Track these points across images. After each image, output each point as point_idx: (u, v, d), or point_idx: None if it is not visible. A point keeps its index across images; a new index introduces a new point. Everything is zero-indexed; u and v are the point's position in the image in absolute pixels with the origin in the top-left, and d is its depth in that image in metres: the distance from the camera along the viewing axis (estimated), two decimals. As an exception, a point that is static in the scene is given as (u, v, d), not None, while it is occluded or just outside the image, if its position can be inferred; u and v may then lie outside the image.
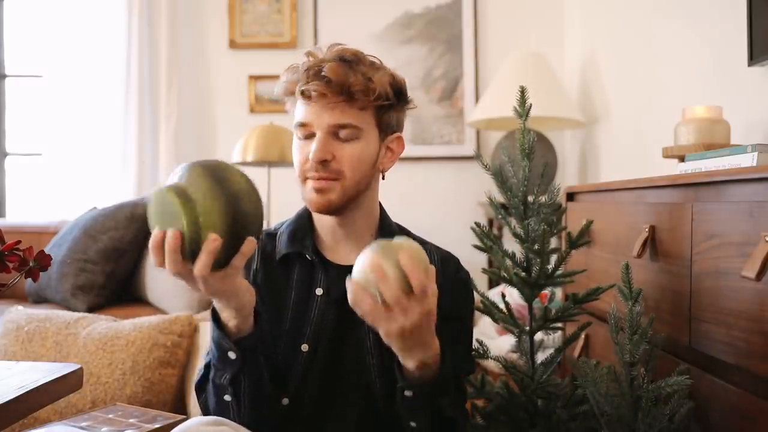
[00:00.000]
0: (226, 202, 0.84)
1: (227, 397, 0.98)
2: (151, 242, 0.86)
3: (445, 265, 1.12)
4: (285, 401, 1.05)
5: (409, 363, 0.92)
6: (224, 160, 0.91)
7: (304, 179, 1.05)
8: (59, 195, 3.08)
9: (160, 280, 2.27)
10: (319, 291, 1.08)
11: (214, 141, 3.26)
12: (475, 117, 2.79)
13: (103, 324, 1.75)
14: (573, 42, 3.03)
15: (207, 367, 1.01)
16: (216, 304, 0.94)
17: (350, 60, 1.02)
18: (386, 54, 3.14)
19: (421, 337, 0.89)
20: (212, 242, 0.82)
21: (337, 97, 1.00)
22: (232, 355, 0.94)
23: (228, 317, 0.94)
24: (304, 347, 1.05)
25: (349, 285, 0.87)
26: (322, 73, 0.99)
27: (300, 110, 1.04)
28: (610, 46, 2.59)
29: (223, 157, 3.15)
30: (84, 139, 3.08)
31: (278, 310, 1.08)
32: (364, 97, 1.01)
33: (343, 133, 1.02)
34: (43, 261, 1.00)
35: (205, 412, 1.03)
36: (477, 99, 3.11)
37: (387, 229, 1.13)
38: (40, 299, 2.37)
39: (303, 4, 3.21)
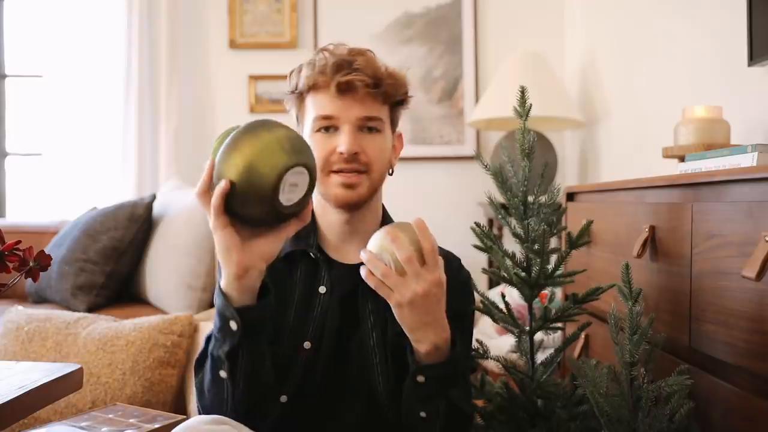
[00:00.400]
0: (244, 152, 0.85)
1: (223, 373, 0.94)
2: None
3: (448, 264, 1.11)
4: (283, 398, 1.05)
5: (422, 346, 0.93)
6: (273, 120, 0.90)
7: (328, 173, 1.05)
8: (59, 195, 3.08)
9: (160, 280, 2.27)
10: (322, 289, 1.08)
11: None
12: (475, 117, 2.79)
13: (103, 324, 1.75)
14: (573, 42, 3.03)
15: (208, 340, 0.99)
16: (221, 261, 0.91)
17: (368, 56, 1.06)
18: (386, 54, 3.14)
19: (432, 311, 0.91)
20: (221, 185, 0.87)
21: (368, 90, 1.01)
22: (233, 325, 0.90)
23: (228, 283, 0.91)
24: (306, 345, 1.05)
25: (364, 254, 0.90)
26: (356, 66, 1.01)
27: (325, 103, 1.04)
28: (610, 46, 2.59)
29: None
30: (84, 139, 3.08)
31: (281, 308, 1.07)
32: (394, 91, 1.04)
33: (370, 125, 1.04)
34: (43, 261, 1.00)
35: (200, 393, 1.00)
36: (477, 99, 3.11)
37: None
38: (40, 299, 2.37)
39: (303, 4, 3.21)
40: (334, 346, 1.06)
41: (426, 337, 0.92)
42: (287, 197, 0.86)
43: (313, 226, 1.12)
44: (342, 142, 1.02)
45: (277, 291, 1.08)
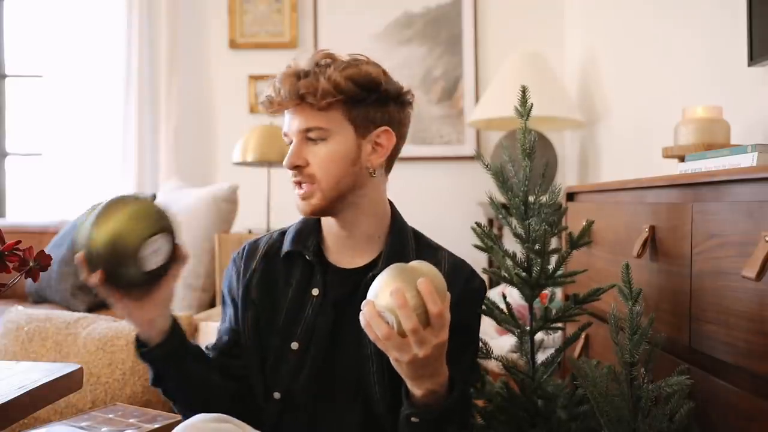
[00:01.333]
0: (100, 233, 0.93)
1: (162, 396, 1.07)
2: None
3: (456, 273, 1.09)
4: (276, 395, 1.07)
5: (417, 390, 0.92)
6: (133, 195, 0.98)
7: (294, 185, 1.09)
8: (59, 195, 3.08)
9: (160, 280, 2.27)
10: (315, 291, 1.08)
11: (214, 141, 3.26)
12: (475, 117, 2.79)
13: (103, 324, 1.75)
14: (573, 42, 3.03)
15: None
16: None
17: (321, 64, 1.05)
18: (386, 54, 3.14)
19: (431, 366, 0.89)
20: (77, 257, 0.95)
21: (294, 103, 1.03)
22: (145, 364, 1.04)
23: (140, 333, 1.03)
24: (294, 345, 1.06)
25: (365, 307, 0.87)
26: (276, 84, 1.04)
27: (284, 120, 1.08)
28: (610, 46, 2.59)
29: (222, 157, 3.16)
30: (84, 139, 3.08)
31: (274, 307, 1.09)
32: (312, 98, 1.02)
33: (312, 136, 1.04)
34: (43, 261, 1.00)
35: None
36: (477, 99, 3.11)
37: (399, 232, 1.11)
38: (40, 299, 2.37)
39: (303, 4, 3.20)
40: (325, 349, 1.06)
41: (422, 384, 0.92)
42: (154, 261, 0.95)
43: (315, 228, 1.12)
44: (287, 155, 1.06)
45: (272, 290, 1.10)
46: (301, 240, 1.11)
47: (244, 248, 1.17)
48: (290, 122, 1.05)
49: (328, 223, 1.10)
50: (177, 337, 1.04)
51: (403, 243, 1.11)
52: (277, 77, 1.05)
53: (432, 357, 0.87)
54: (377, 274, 1.00)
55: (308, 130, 1.04)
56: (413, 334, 0.84)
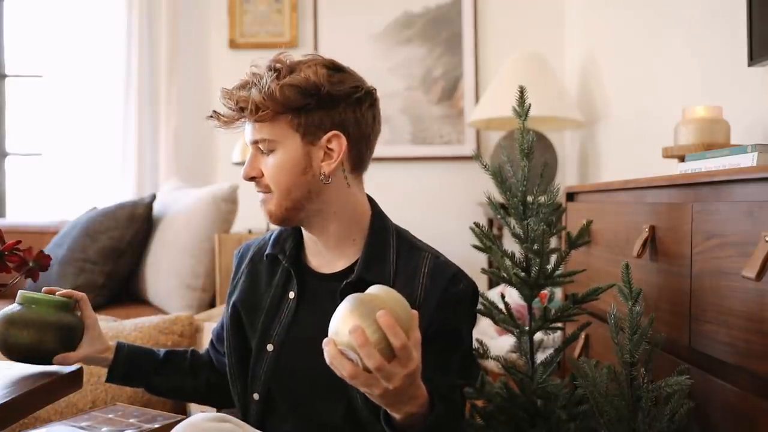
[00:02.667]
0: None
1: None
2: None
3: (435, 277, 1.05)
4: (255, 396, 1.08)
5: (396, 414, 0.90)
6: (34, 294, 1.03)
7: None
8: (59, 195, 3.08)
9: (160, 280, 2.27)
10: (291, 294, 1.09)
11: (214, 141, 3.26)
12: (475, 117, 2.79)
13: (103, 324, 1.75)
14: (573, 42, 3.03)
15: None
16: None
17: (270, 70, 1.05)
18: (386, 54, 3.14)
19: (405, 394, 0.86)
20: None
21: (235, 117, 1.04)
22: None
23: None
24: (269, 347, 1.08)
25: (326, 347, 0.83)
26: (220, 99, 1.05)
27: None
28: (610, 46, 2.59)
29: (222, 157, 3.16)
30: (84, 139, 3.08)
31: (256, 308, 1.11)
32: (248, 112, 1.01)
33: (261, 147, 1.04)
34: (43, 261, 1.01)
35: None
36: (477, 99, 3.11)
37: (379, 233, 1.08)
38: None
39: (303, 4, 3.20)
40: (301, 352, 1.05)
41: (400, 409, 0.88)
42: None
43: (293, 232, 1.13)
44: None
45: (256, 291, 1.12)
46: (280, 243, 1.12)
47: (240, 249, 1.21)
48: (245, 134, 1.07)
49: (303, 229, 1.11)
50: (121, 365, 1.16)
51: (384, 244, 1.08)
52: (221, 91, 1.05)
53: (403, 387, 0.83)
54: (351, 282, 1.01)
55: (256, 142, 1.04)
56: (378, 371, 0.80)
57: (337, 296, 1.00)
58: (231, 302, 1.14)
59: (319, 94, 1.01)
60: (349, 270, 1.06)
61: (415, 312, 0.86)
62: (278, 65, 1.05)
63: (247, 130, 1.05)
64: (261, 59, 1.08)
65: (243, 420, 1.06)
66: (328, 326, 0.87)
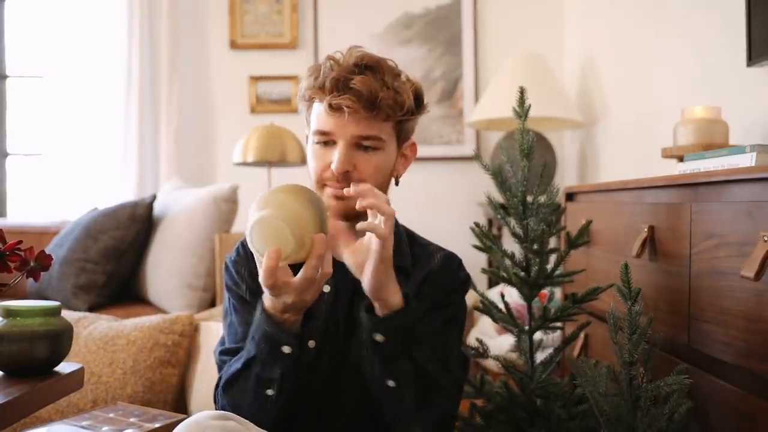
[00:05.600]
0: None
1: (270, 392, 0.97)
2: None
3: (448, 261, 1.15)
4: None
5: (384, 305, 0.96)
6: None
7: (322, 186, 1.06)
8: (60, 195, 3.08)
9: (160, 280, 2.28)
10: (326, 288, 1.08)
11: (214, 141, 3.26)
12: (474, 117, 2.79)
13: (104, 324, 1.76)
14: (573, 42, 3.03)
15: (244, 364, 1.00)
16: (277, 300, 0.93)
17: (374, 69, 1.03)
18: (386, 54, 3.12)
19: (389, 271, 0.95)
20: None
21: (365, 112, 1.00)
22: (286, 349, 0.94)
23: (290, 310, 0.94)
24: (311, 344, 1.05)
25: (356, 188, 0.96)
26: (351, 85, 0.99)
27: (321, 118, 1.03)
28: (609, 46, 2.59)
29: (223, 157, 3.16)
30: (84, 140, 3.08)
31: None
32: (392, 112, 1.02)
33: (366, 144, 1.03)
34: (44, 261, 1.01)
35: (235, 409, 1.01)
36: (477, 99, 3.11)
37: (396, 225, 1.12)
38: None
39: (303, 4, 3.21)
40: (337, 345, 1.07)
41: (389, 293, 0.95)
42: None
43: None
44: (335, 159, 1.02)
45: None
46: None
47: (243, 247, 1.15)
48: (344, 125, 1.01)
49: (338, 222, 1.09)
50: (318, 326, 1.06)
51: (399, 235, 1.14)
52: (335, 76, 1.00)
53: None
54: None
55: (366, 137, 1.02)
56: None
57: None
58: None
59: (420, 104, 1.08)
60: None
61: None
62: (390, 63, 1.07)
63: (351, 123, 1.00)
64: (356, 48, 1.06)
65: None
66: (358, 318, 0.98)
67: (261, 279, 0.89)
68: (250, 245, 0.89)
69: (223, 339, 1.13)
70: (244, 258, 1.13)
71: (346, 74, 1.00)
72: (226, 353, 1.08)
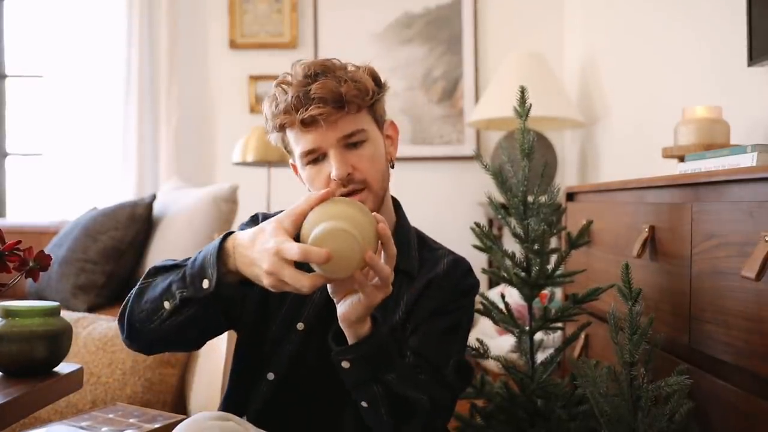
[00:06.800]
0: None
1: (166, 304, 0.92)
2: None
3: (454, 267, 1.11)
4: (270, 376, 1.07)
5: (355, 334, 0.93)
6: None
7: None
8: (59, 195, 3.08)
9: (160, 280, 2.27)
10: None
11: (214, 141, 3.26)
12: (475, 117, 2.79)
13: (103, 324, 1.75)
14: (573, 42, 3.03)
15: (173, 265, 0.97)
16: (241, 248, 0.89)
17: (325, 71, 1.01)
18: (386, 54, 3.14)
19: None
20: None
21: (337, 112, 0.99)
22: (206, 284, 0.89)
23: (246, 262, 0.88)
24: (300, 326, 1.06)
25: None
26: (312, 96, 0.98)
27: (300, 139, 1.02)
28: (610, 46, 2.59)
29: (222, 157, 3.16)
30: (84, 139, 3.08)
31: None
32: (360, 100, 1.01)
33: (353, 141, 1.02)
34: (43, 261, 1.01)
35: (136, 298, 0.97)
36: (477, 99, 3.11)
37: (403, 232, 1.11)
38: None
39: (303, 4, 3.20)
40: (328, 330, 1.06)
41: (361, 325, 0.92)
42: None
43: None
44: (333, 168, 1.01)
45: None
46: None
47: (257, 216, 1.13)
48: (324, 135, 1.00)
49: None
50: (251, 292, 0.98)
51: (408, 234, 1.12)
52: (294, 94, 0.99)
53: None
54: None
55: (350, 135, 1.02)
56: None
57: None
58: None
59: (380, 83, 1.07)
60: None
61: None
62: (335, 61, 1.05)
63: (329, 130, 1.00)
64: (298, 64, 1.04)
65: (246, 400, 1.06)
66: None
67: (291, 250, 0.82)
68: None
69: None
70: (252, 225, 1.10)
71: (302, 88, 1.00)
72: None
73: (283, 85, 1.03)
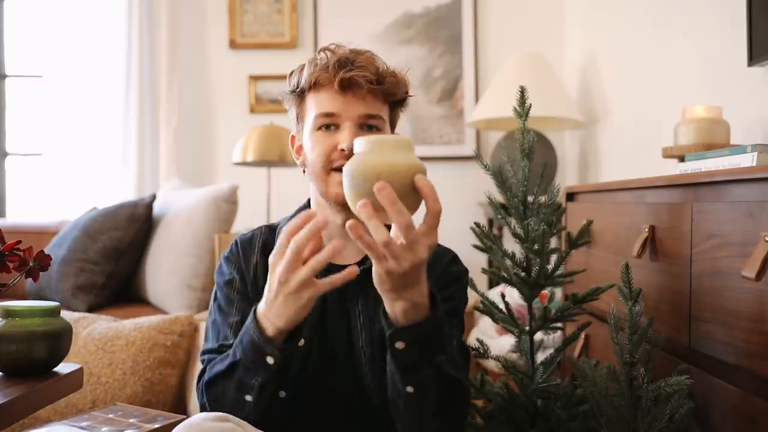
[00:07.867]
0: None
1: (249, 398, 0.96)
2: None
3: (440, 256, 1.11)
4: (282, 394, 1.05)
5: (399, 305, 0.87)
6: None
7: (329, 171, 1.04)
8: (59, 195, 3.08)
9: (160, 280, 2.27)
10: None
11: (214, 141, 3.26)
12: (475, 117, 2.79)
13: (103, 324, 1.76)
14: (573, 42, 3.03)
15: (228, 366, 0.98)
16: (271, 310, 0.91)
17: (370, 55, 1.06)
18: (386, 54, 3.13)
19: (421, 273, 0.86)
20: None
21: (370, 87, 1.02)
22: (270, 360, 0.92)
23: (282, 321, 0.90)
24: (300, 342, 1.04)
25: (364, 209, 0.83)
26: (357, 63, 1.02)
27: (326, 101, 1.04)
28: (610, 46, 2.59)
29: (222, 157, 3.16)
30: (84, 139, 3.08)
31: None
32: (393, 92, 1.04)
33: (371, 123, 1.04)
34: (43, 261, 1.01)
35: (214, 406, 1.00)
36: (477, 99, 3.11)
37: None
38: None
39: (303, 4, 3.21)
40: (325, 343, 1.06)
41: (406, 295, 0.87)
42: None
43: None
44: (343, 139, 1.02)
45: None
46: None
47: (236, 244, 1.14)
48: (350, 105, 1.02)
49: (328, 220, 1.08)
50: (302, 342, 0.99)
51: None
52: (340, 58, 1.02)
53: (424, 264, 0.84)
54: (367, 268, 0.95)
55: (372, 116, 1.04)
56: (408, 230, 0.81)
57: (354, 284, 0.96)
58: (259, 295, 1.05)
59: (408, 91, 1.11)
60: (363, 260, 1.07)
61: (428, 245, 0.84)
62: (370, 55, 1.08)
63: (356, 103, 1.02)
64: (338, 47, 1.07)
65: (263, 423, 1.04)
66: (350, 313, 0.99)
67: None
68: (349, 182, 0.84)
69: (207, 336, 1.11)
70: (237, 255, 1.12)
71: (349, 54, 1.04)
72: (208, 352, 1.07)
73: (327, 51, 1.06)
